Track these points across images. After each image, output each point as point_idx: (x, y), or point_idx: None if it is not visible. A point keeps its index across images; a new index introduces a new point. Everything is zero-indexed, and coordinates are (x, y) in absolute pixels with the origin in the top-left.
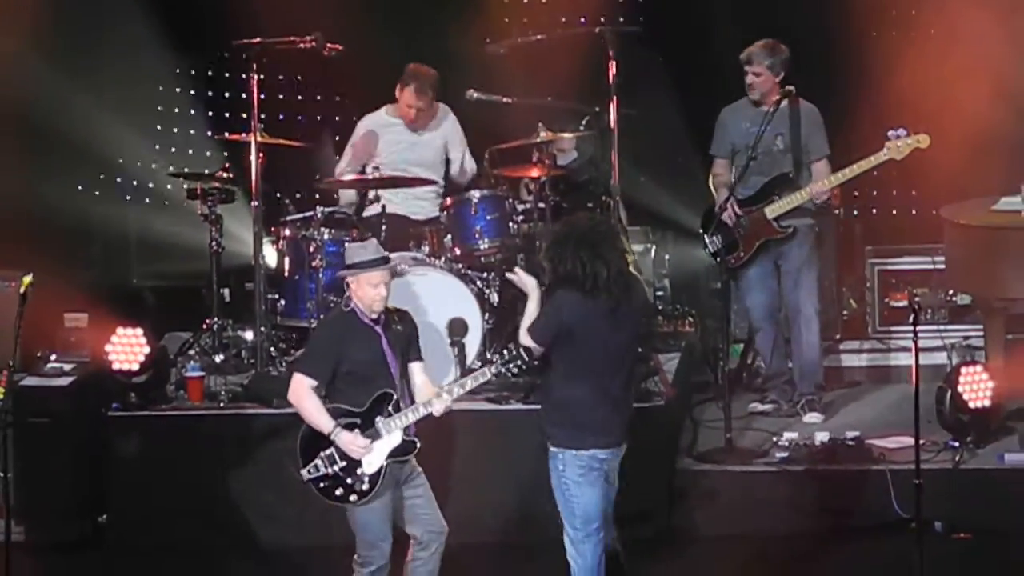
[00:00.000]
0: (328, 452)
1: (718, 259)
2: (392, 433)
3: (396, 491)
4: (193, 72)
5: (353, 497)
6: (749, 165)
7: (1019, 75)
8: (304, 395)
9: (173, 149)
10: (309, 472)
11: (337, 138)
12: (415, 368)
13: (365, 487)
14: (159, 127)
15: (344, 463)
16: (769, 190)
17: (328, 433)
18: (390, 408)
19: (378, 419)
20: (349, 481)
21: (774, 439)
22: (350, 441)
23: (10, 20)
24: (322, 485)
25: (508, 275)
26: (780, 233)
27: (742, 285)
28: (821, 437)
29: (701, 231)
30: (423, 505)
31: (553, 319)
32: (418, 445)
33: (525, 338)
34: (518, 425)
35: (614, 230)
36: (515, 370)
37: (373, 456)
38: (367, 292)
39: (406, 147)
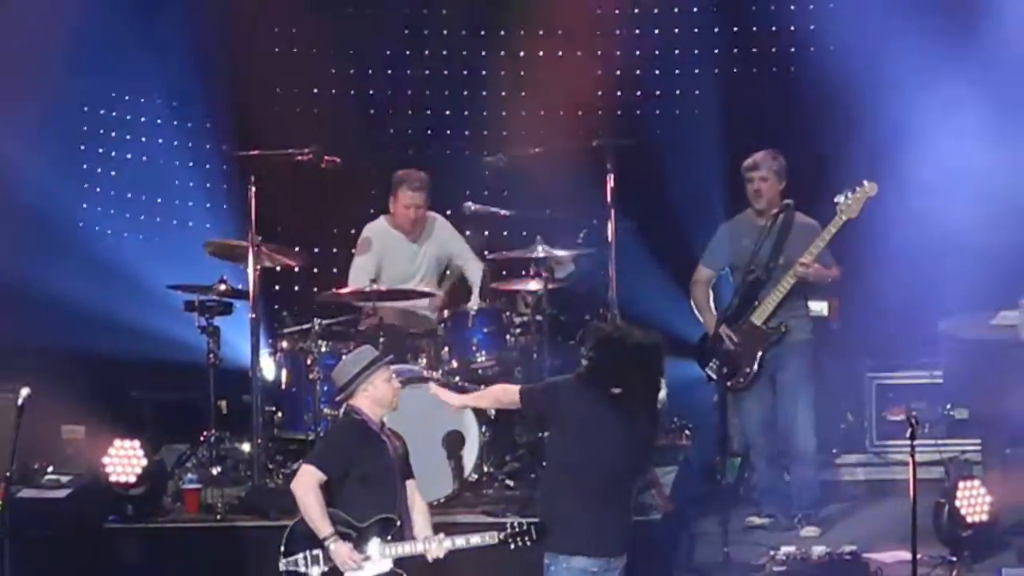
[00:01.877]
0: (314, 553)
1: (727, 385)
2: (384, 559)
3: None
4: (191, 184)
5: None
6: (746, 281)
7: (1012, 184)
8: (310, 489)
9: (171, 259)
10: (287, 565)
11: (335, 250)
12: (410, 486)
13: None
14: (158, 237)
15: (326, 569)
16: (749, 298)
17: (323, 538)
18: (390, 536)
19: (374, 541)
20: None
21: (771, 553)
22: (345, 554)
23: (13, 123)
24: None
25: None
26: (773, 334)
27: (738, 399)
28: (818, 551)
29: (699, 364)
30: None
31: (549, 393)
32: None
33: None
34: None
35: (661, 354)
36: (521, 544)
37: (359, 574)
38: (385, 390)
39: (407, 259)
